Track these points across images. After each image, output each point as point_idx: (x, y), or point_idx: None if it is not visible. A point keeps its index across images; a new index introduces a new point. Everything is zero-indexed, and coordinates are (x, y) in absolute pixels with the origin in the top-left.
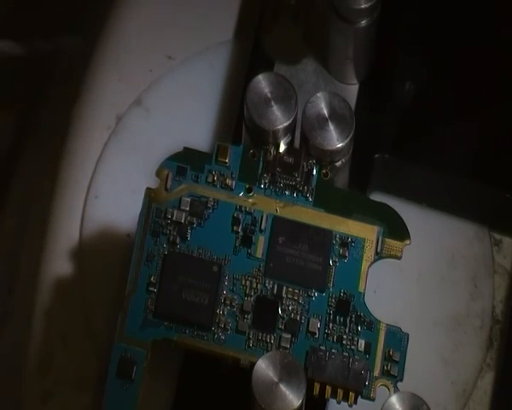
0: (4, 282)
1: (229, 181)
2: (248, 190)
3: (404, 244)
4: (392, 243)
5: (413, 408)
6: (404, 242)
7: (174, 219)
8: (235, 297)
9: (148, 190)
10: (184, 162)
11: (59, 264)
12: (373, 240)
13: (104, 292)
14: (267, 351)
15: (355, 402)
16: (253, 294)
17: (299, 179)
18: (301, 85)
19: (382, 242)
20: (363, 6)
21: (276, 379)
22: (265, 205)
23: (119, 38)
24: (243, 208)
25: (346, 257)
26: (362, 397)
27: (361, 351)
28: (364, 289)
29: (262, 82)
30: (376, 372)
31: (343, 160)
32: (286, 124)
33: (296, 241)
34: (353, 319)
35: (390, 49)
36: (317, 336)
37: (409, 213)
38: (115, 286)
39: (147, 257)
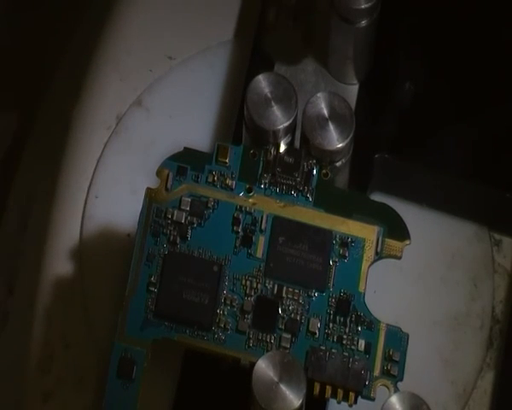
0: (4, 282)
1: (229, 181)
2: (248, 190)
3: (404, 244)
4: (392, 243)
5: (413, 408)
6: (404, 242)
7: (174, 219)
8: (236, 297)
9: (149, 190)
10: (185, 162)
11: (59, 264)
12: (373, 240)
13: (104, 292)
14: (267, 351)
15: (355, 402)
16: (253, 294)
17: (299, 179)
18: (301, 85)
19: (382, 242)
20: (363, 6)
21: (276, 379)
22: (265, 205)
23: (120, 38)
24: (243, 208)
25: (346, 257)
26: (362, 397)
27: (361, 351)
28: (364, 289)
29: (262, 82)
30: (376, 372)
31: (343, 160)
32: (286, 124)
33: (296, 241)
34: (353, 319)
35: (390, 49)
36: (317, 336)
37: (409, 213)
38: (115, 286)
39: (147, 257)
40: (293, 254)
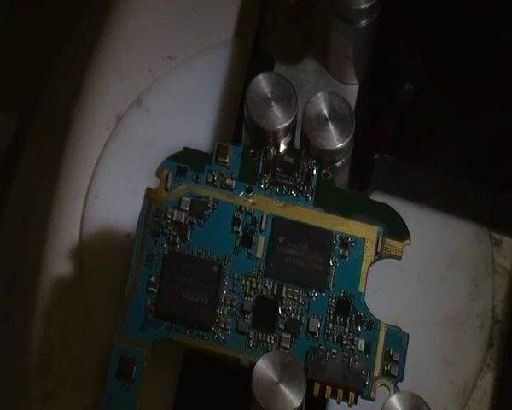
0: (4, 282)
1: (229, 181)
2: (248, 190)
3: (404, 244)
4: (393, 243)
5: (413, 408)
6: (404, 242)
7: (174, 219)
8: (236, 297)
9: (148, 190)
10: (184, 162)
11: (59, 264)
12: (373, 240)
13: (104, 292)
14: (267, 351)
15: (355, 402)
16: (253, 294)
17: (299, 179)
18: (301, 85)
19: (382, 242)
20: (363, 6)
21: (276, 379)
22: (265, 205)
23: (120, 37)
24: (243, 208)
25: (346, 257)
26: (362, 397)
27: (361, 351)
28: (364, 290)
29: (262, 82)
30: (376, 372)
31: (343, 160)
32: (286, 124)
33: (296, 241)
34: (353, 319)
35: (390, 49)
36: (317, 336)
37: (409, 213)
38: (115, 286)
39: (147, 257)
40: (293, 255)
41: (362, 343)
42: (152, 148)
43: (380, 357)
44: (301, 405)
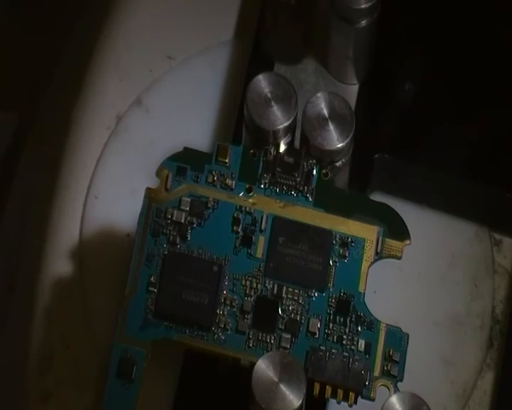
0: (4, 282)
1: (229, 181)
2: (248, 190)
3: (404, 244)
4: (393, 243)
5: (413, 408)
6: (404, 242)
7: (174, 219)
8: (236, 297)
9: (148, 190)
10: (184, 162)
11: (59, 264)
12: (373, 240)
13: (104, 292)
14: (267, 351)
15: (355, 402)
16: (253, 294)
17: (299, 179)
18: (301, 85)
19: (382, 242)
20: (363, 6)
21: (276, 379)
22: (265, 205)
23: (120, 37)
24: (243, 208)
25: (346, 257)
26: (362, 397)
27: (361, 351)
28: (364, 290)
29: (262, 82)
30: (376, 372)
31: (343, 160)
32: (286, 124)
33: (296, 241)
34: (353, 319)
35: (390, 49)
36: (317, 336)
37: (409, 213)
38: (115, 286)
39: (147, 257)
40: (293, 255)
41: (362, 343)
42: (152, 148)
43: (380, 357)
44: (301, 405)
